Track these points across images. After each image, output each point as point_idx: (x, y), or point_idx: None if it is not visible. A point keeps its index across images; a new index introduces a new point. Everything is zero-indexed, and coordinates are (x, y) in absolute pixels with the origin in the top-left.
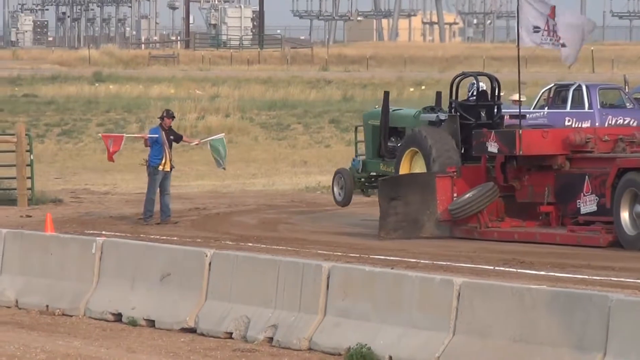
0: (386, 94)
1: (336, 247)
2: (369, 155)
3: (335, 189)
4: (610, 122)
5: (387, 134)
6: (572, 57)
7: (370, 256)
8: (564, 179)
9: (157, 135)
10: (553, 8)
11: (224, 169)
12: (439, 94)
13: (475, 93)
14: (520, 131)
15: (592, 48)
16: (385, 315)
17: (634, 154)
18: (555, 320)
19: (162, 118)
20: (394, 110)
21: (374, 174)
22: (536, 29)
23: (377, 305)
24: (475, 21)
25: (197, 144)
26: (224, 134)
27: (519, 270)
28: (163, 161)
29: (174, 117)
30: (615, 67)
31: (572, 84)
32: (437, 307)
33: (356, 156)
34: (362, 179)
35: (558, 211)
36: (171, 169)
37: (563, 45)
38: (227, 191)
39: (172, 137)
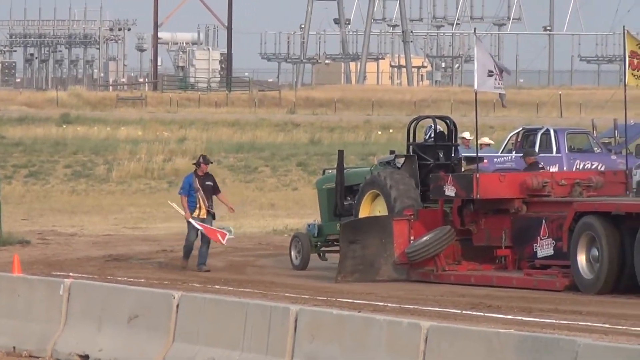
0: (340, 152)
1: (304, 290)
2: (325, 219)
3: (292, 253)
4: (578, 167)
5: (343, 193)
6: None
7: (338, 299)
8: (520, 223)
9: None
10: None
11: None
12: (392, 152)
13: (432, 135)
14: (477, 175)
15: (560, 92)
16: (353, 358)
17: (591, 198)
18: None
19: (198, 164)
20: (347, 169)
21: (332, 237)
22: (490, 74)
23: (344, 349)
24: (443, 65)
25: (230, 208)
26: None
27: (486, 314)
28: (197, 207)
29: (210, 162)
30: (583, 112)
31: (540, 128)
32: (404, 350)
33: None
34: (319, 244)
35: (515, 255)
36: (211, 216)
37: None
38: None
39: (208, 183)
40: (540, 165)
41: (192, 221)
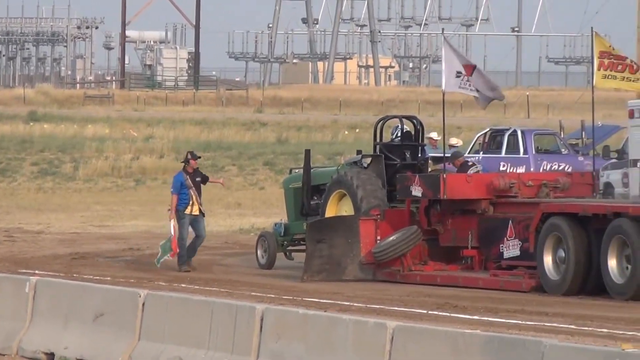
0: (307, 152)
1: (270, 289)
2: (292, 218)
3: (258, 252)
4: (545, 168)
5: (309, 192)
6: (483, 103)
7: (304, 299)
8: (487, 224)
9: (177, 192)
10: (471, 68)
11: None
12: (359, 152)
13: (399, 134)
14: (445, 175)
15: (528, 93)
16: (319, 357)
17: (557, 199)
18: None
19: (186, 161)
20: (314, 169)
21: (298, 236)
22: (458, 74)
23: (310, 348)
24: (411, 65)
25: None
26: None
27: (452, 315)
28: (190, 204)
29: (198, 157)
30: (550, 113)
31: (508, 129)
32: (370, 350)
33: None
34: (285, 243)
35: (481, 255)
36: (202, 213)
37: (477, 90)
38: (161, 232)
39: (198, 179)
40: (470, 163)
41: (172, 223)
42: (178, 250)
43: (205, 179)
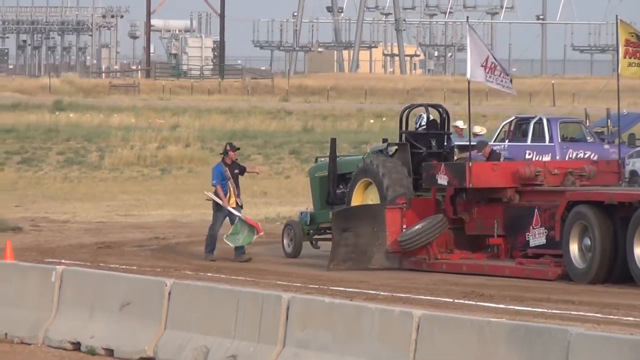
0: (333, 140)
1: (295, 277)
2: (317, 207)
3: (285, 240)
4: (570, 156)
5: (335, 181)
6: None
7: (330, 287)
8: (513, 212)
9: (219, 184)
10: (487, 56)
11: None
12: (385, 140)
13: (422, 123)
14: (470, 164)
15: (553, 82)
16: (345, 346)
17: (583, 187)
18: (515, 353)
19: (225, 152)
20: (340, 158)
21: (324, 225)
22: (482, 65)
23: (336, 337)
24: (436, 53)
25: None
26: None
27: (478, 303)
28: (227, 197)
29: (237, 149)
30: (576, 101)
31: (533, 117)
32: (396, 339)
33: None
34: (311, 232)
35: (507, 244)
36: (239, 206)
37: (505, 81)
38: (187, 221)
39: (236, 171)
40: (498, 151)
41: (233, 210)
42: (257, 224)
43: (242, 170)
